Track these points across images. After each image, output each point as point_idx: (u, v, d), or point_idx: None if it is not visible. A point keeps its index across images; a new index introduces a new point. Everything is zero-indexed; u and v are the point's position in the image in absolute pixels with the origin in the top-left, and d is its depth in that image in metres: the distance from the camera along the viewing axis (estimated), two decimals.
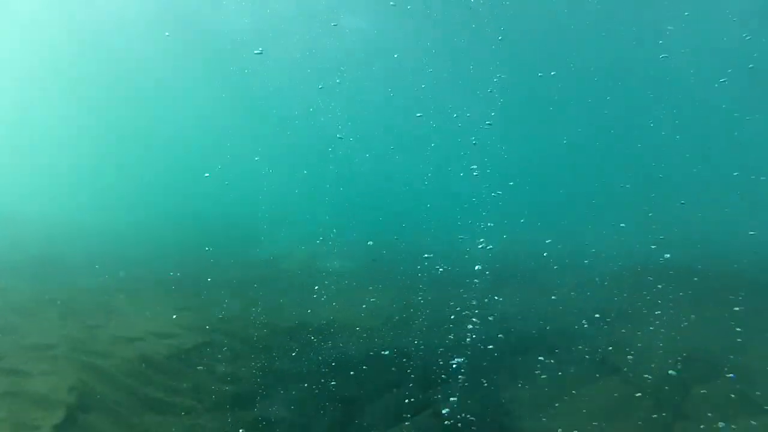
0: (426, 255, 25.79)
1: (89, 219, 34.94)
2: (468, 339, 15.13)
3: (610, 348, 13.83)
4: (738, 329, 14.04)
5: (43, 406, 9.59)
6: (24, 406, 9.50)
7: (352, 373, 12.78)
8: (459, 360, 13.41)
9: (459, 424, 10.01)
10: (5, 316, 14.12)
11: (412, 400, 11.22)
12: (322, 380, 12.31)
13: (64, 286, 18.58)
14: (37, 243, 26.85)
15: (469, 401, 11.17)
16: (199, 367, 12.55)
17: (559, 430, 10.00)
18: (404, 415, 10.44)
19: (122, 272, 21.20)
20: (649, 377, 11.76)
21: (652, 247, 21.75)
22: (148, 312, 16.00)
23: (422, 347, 14.19)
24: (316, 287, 21.12)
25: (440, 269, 23.27)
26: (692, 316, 15.77)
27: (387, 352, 13.83)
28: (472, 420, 10.23)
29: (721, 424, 9.78)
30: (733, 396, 10.86)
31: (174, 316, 15.68)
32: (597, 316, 16.25)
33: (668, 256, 20.67)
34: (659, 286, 18.63)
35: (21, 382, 10.30)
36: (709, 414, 10.32)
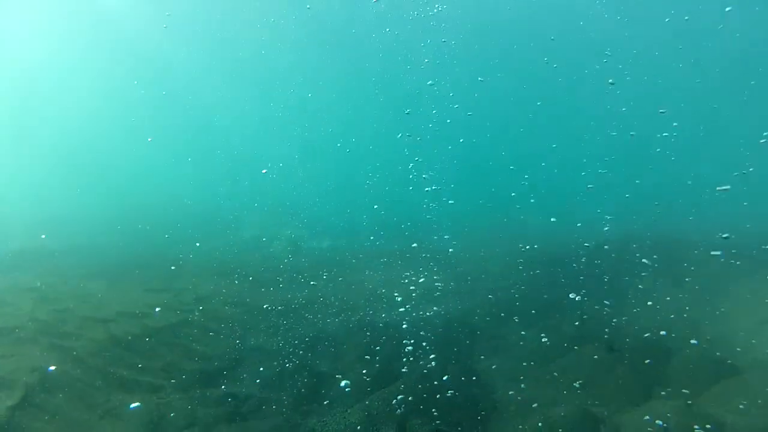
0: (418, 237, 25.64)
1: (69, 213, 34.56)
2: (445, 312, 15.01)
3: (590, 318, 13.75)
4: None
5: (1, 387, 9.42)
6: None
7: (325, 348, 12.64)
8: (435, 332, 13.30)
9: (430, 396, 9.90)
10: None
11: (383, 373, 11.09)
12: (295, 356, 12.17)
13: (41, 275, 18.31)
14: (16, 237, 26.52)
15: (444, 374, 11.05)
16: (170, 347, 12.34)
17: (535, 404, 9.93)
18: (369, 389, 10.30)
19: (100, 260, 20.97)
20: (628, 345, 11.69)
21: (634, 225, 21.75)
22: (122, 295, 15.80)
23: (399, 321, 14.06)
24: (298, 267, 20.98)
25: (417, 246, 23.15)
26: (672, 288, 15.77)
27: (363, 328, 13.69)
28: (448, 393, 10.12)
29: (691, 390, 9.71)
30: (708, 361, 10.83)
31: (148, 299, 15.47)
32: (580, 289, 16.15)
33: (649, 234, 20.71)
34: (644, 260, 18.60)
35: None
36: (686, 378, 10.27)
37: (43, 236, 26.47)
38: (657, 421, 8.29)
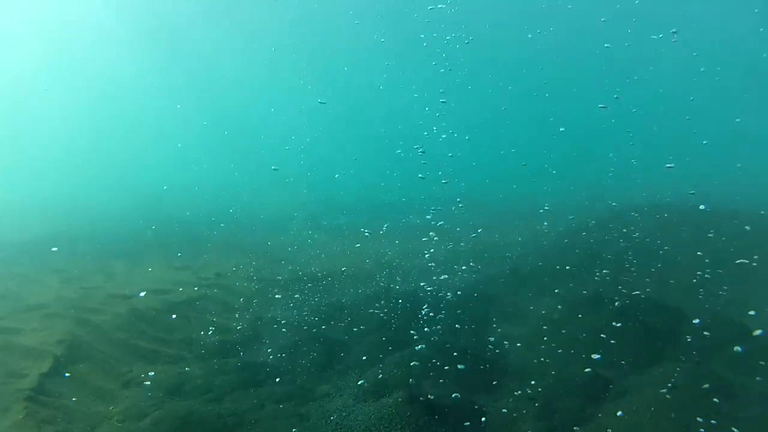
0: (432, 209, 25.65)
1: (93, 200, 35.40)
2: (462, 281, 15.10)
3: (604, 286, 13.68)
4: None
5: (32, 357, 9.90)
6: (14, 358, 9.81)
7: (341, 318, 12.88)
8: (452, 300, 13.42)
9: (443, 362, 10.05)
10: (5, 284, 14.46)
11: (397, 339, 11.27)
12: (311, 326, 12.44)
13: (66, 258, 18.97)
14: (42, 224, 27.34)
15: (459, 340, 11.19)
16: (190, 320, 12.74)
17: (548, 369, 10.00)
18: (382, 356, 10.50)
19: (123, 243, 21.54)
20: (641, 310, 11.60)
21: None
22: (145, 274, 16.30)
23: (416, 290, 14.21)
24: (317, 242, 21.25)
25: (440, 223, 23.16)
26: (685, 256, 15.52)
27: (380, 297, 13.87)
28: (462, 359, 10.25)
29: (702, 354, 9.63)
30: (721, 325, 10.70)
31: (169, 276, 15.94)
32: (595, 258, 16.04)
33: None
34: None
35: (12, 338, 10.63)
36: (698, 342, 10.18)
37: (67, 224, 27.21)
38: (668, 384, 8.28)
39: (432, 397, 8.42)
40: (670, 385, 8.21)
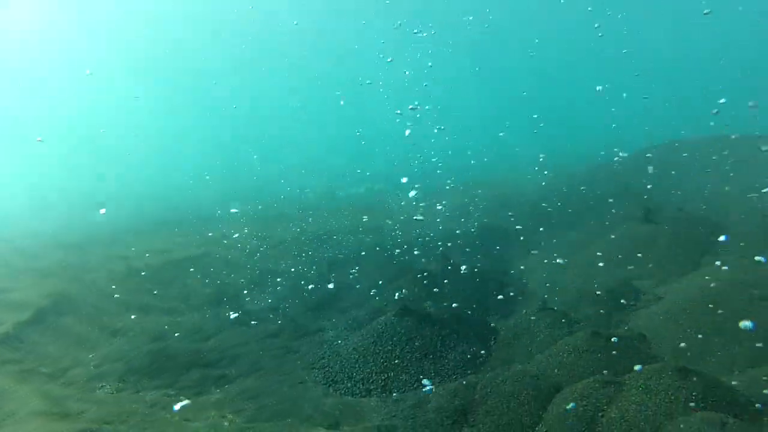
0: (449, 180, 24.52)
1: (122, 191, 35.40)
2: (479, 223, 13.95)
3: (626, 207, 12.31)
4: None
5: (13, 310, 9.39)
6: None
7: (343, 267, 11.96)
8: (465, 238, 12.32)
9: (446, 281, 9.01)
10: (4, 256, 14.12)
11: (398, 274, 10.25)
12: (311, 276, 11.58)
13: (73, 229, 18.74)
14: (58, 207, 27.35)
15: (474, 268, 10.11)
16: (188, 275, 12.08)
17: (572, 283, 8.86)
18: (377, 291, 9.52)
19: (139, 220, 21.14)
20: (669, 218, 10.26)
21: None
22: (152, 239, 15.79)
23: (427, 233, 13.16)
24: (330, 207, 20.35)
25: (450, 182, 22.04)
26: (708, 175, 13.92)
27: (388, 245, 12.90)
28: (470, 275, 9.20)
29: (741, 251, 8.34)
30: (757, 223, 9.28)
31: (175, 239, 15.38)
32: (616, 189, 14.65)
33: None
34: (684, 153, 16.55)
35: (2, 295, 10.16)
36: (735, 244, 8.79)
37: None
38: (711, 283, 7.01)
39: (431, 310, 7.43)
40: (713, 283, 6.95)
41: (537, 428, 4.90)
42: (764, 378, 5.36)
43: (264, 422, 5.46)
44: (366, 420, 5.25)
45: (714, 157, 14.95)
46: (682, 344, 6.27)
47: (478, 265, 10.46)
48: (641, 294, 7.66)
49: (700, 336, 6.38)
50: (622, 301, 7.60)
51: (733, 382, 5.32)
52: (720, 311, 6.44)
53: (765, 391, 5.14)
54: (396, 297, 7.53)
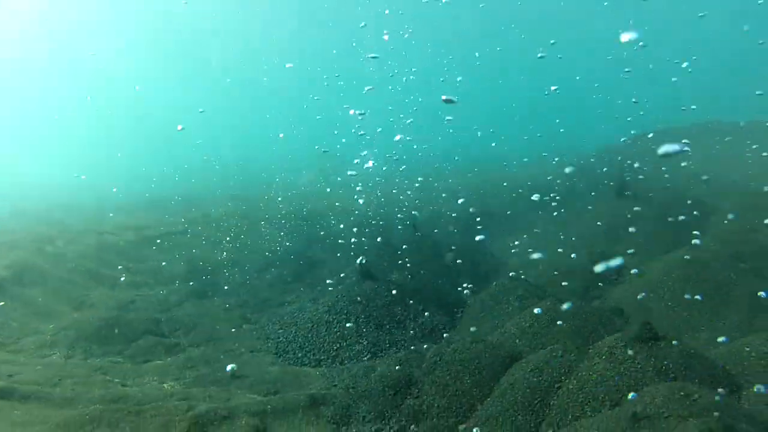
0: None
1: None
2: (466, 204, 13.55)
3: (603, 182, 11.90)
4: None
5: None
6: None
7: (324, 242, 11.62)
8: (449, 218, 11.95)
9: (418, 254, 8.65)
10: None
11: (386, 245, 9.90)
12: (289, 251, 11.25)
13: (56, 203, 18.48)
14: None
15: (452, 244, 9.73)
16: (163, 252, 11.78)
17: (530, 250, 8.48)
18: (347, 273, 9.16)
19: (135, 201, 20.71)
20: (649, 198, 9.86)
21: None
22: (133, 218, 15.47)
23: (410, 214, 12.80)
24: (321, 190, 19.96)
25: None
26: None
27: (356, 228, 12.47)
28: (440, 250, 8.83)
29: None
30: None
31: (157, 217, 15.07)
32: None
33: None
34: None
35: None
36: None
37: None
38: (688, 257, 6.61)
39: (394, 279, 7.09)
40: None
41: (486, 401, 4.53)
42: (747, 349, 4.95)
43: (200, 388, 5.13)
44: (305, 389, 4.91)
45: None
46: (660, 317, 5.90)
47: (454, 240, 10.10)
48: (621, 270, 7.27)
49: (676, 309, 6.01)
50: (599, 276, 7.22)
51: (712, 354, 4.93)
52: (700, 285, 6.05)
53: (746, 363, 4.74)
54: (357, 263, 7.11)
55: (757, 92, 13.18)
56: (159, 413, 3.99)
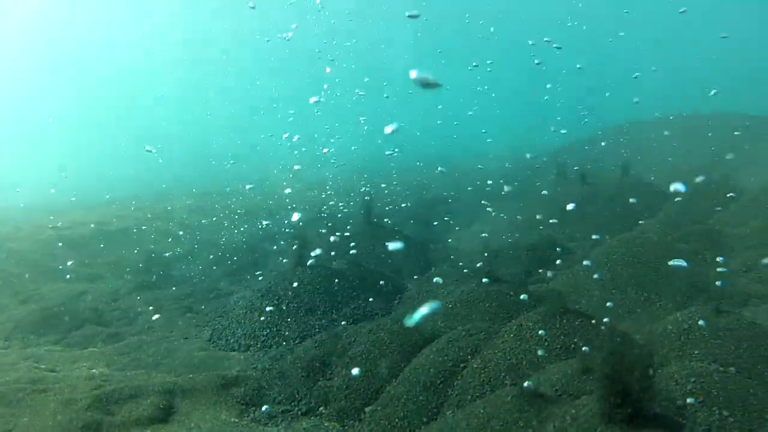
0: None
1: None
2: (431, 197, 13.75)
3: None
4: None
5: None
6: None
7: (281, 235, 11.73)
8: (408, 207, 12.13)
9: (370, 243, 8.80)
10: None
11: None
12: (246, 245, 11.33)
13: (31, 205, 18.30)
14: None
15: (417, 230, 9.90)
16: (121, 246, 11.77)
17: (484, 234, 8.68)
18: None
19: (106, 200, 20.49)
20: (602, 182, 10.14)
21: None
22: (94, 213, 15.36)
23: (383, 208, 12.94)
24: (299, 187, 19.97)
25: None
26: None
27: (315, 219, 12.60)
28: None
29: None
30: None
31: (118, 212, 14.99)
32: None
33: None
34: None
35: None
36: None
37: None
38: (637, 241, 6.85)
39: (334, 266, 7.24)
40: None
41: (394, 382, 4.69)
42: (669, 327, 5.09)
43: (126, 372, 5.23)
44: (223, 371, 5.04)
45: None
46: (604, 301, 6.11)
47: (406, 229, 10.30)
48: (568, 253, 7.51)
49: (613, 291, 6.24)
50: (543, 259, 7.44)
51: (641, 334, 5.10)
52: (643, 267, 6.29)
53: (666, 341, 4.86)
54: (312, 255, 7.24)
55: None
56: (62, 392, 4.09)
